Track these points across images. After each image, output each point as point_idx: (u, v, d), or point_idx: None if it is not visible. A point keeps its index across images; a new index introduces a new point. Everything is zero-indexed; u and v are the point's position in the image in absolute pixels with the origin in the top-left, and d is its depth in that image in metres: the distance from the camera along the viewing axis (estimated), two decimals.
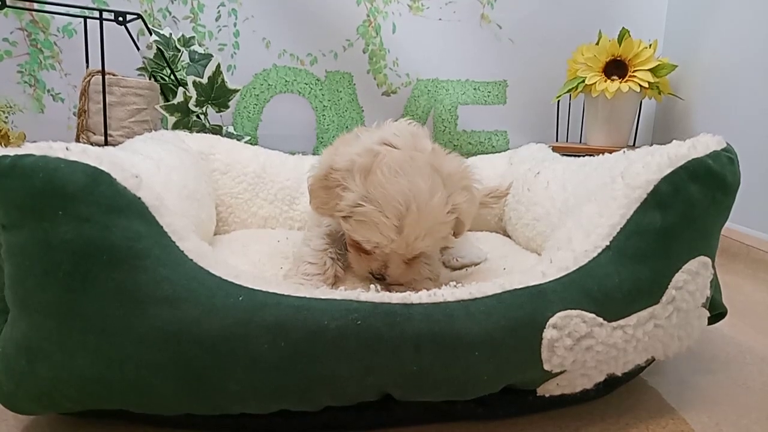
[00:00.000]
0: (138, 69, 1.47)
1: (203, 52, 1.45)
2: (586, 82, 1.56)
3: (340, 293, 0.50)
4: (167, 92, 1.45)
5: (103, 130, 1.29)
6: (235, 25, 1.71)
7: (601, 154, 0.84)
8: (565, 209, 0.82)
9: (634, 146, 1.65)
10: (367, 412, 0.54)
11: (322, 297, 0.50)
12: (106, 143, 1.29)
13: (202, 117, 1.42)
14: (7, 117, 1.59)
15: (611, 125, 1.63)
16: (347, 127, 1.81)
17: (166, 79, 1.45)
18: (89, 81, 1.30)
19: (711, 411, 0.60)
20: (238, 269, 0.53)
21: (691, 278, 0.55)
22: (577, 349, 0.51)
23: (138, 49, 1.47)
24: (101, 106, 1.28)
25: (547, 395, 0.55)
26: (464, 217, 0.68)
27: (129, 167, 0.52)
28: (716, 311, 0.64)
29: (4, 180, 0.46)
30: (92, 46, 1.35)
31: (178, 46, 1.44)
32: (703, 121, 1.59)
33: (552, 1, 1.82)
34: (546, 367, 0.51)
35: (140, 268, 0.48)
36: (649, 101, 1.69)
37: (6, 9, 1.36)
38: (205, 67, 1.40)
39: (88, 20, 1.38)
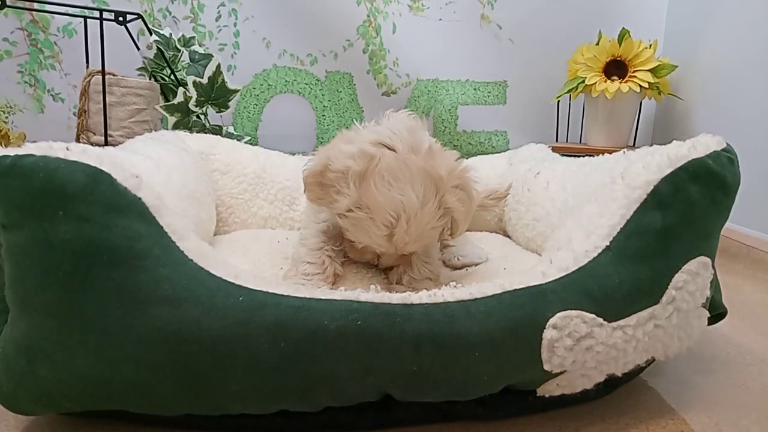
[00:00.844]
0: (138, 69, 1.47)
1: (203, 52, 1.45)
2: (586, 82, 1.56)
3: (340, 293, 0.50)
4: (167, 92, 1.45)
5: (103, 130, 1.29)
6: (235, 25, 1.71)
7: (601, 155, 0.84)
8: (565, 210, 0.82)
9: (634, 147, 1.65)
10: (367, 413, 0.54)
11: (322, 297, 0.50)
12: (106, 143, 1.29)
13: (202, 117, 1.42)
14: (7, 117, 1.59)
15: (611, 125, 1.63)
16: (347, 127, 1.80)
17: (167, 79, 1.45)
18: (89, 81, 1.30)
19: (711, 411, 0.60)
20: (238, 269, 0.53)
21: (691, 278, 0.55)
22: (577, 349, 0.51)
23: (138, 49, 1.47)
24: (101, 106, 1.28)
25: (547, 395, 0.55)
26: (458, 216, 0.68)
27: (129, 167, 0.52)
28: (716, 311, 0.64)
29: (4, 180, 0.46)
30: (92, 46, 1.35)
31: (179, 46, 1.44)
32: (703, 121, 1.59)
33: (552, 1, 1.82)
34: (546, 367, 0.51)
35: (140, 268, 0.48)
36: (649, 101, 1.69)
37: (6, 9, 1.36)
38: (205, 67, 1.40)
39: (88, 20, 1.38)
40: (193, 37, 1.48)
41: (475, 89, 1.87)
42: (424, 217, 0.64)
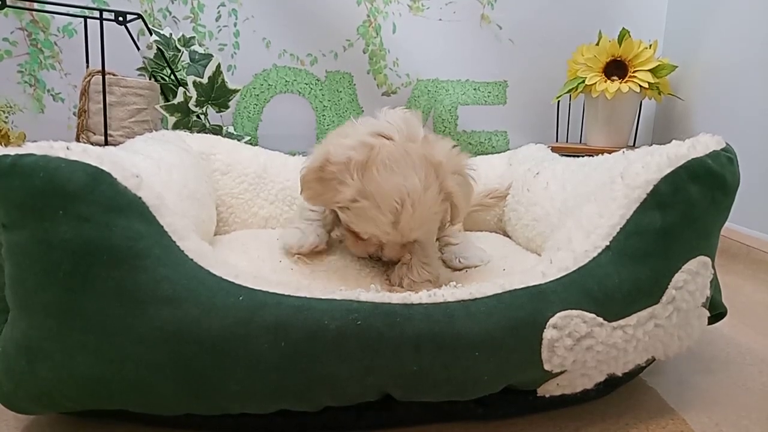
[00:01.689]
0: (138, 69, 1.47)
1: (203, 52, 1.45)
2: (586, 82, 1.56)
3: (341, 293, 0.50)
4: (167, 92, 1.45)
5: (103, 130, 1.29)
6: (235, 25, 1.71)
7: (600, 155, 0.84)
8: (564, 209, 0.82)
9: (634, 147, 1.65)
10: (368, 413, 0.54)
11: (323, 297, 0.50)
12: (107, 143, 1.29)
13: (202, 117, 1.42)
14: (7, 117, 1.59)
15: (611, 126, 1.63)
16: None
17: (167, 79, 1.45)
18: (89, 81, 1.30)
19: (711, 411, 0.60)
20: (239, 269, 0.53)
21: (691, 278, 0.55)
22: (578, 349, 0.51)
23: (138, 49, 1.47)
24: (101, 106, 1.28)
25: (547, 395, 0.55)
26: (458, 201, 0.69)
27: (130, 167, 0.52)
28: (716, 311, 0.64)
29: (4, 179, 0.46)
30: (92, 46, 1.35)
31: (179, 46, 1.44)
32: (703, 121, 1.59)
33: (552, 1, 1.82)
34: (546, 367, 0.51)
35: (140, 267, 0.48)
36: (649, 102, 1.69)
37: (6, 9, 1.36)
38: (206, 67, 1.40)
39: (88, 20, 1.38)
40: (193, 37, 1.48)
41: (475, 89, 1.87)
42: (427, 201, 0.65)
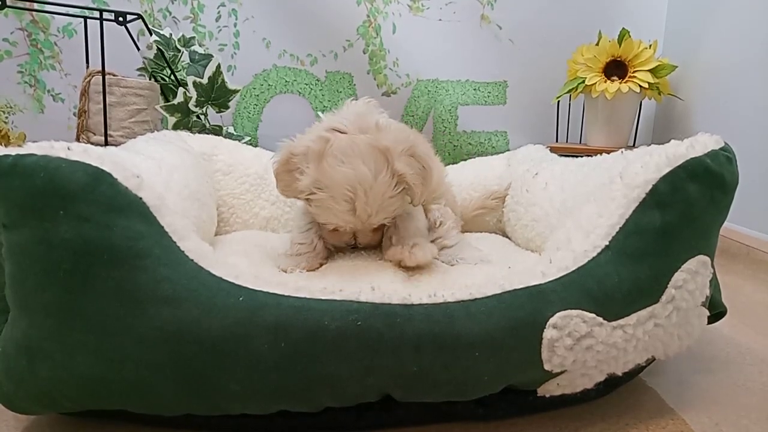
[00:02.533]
0: (138, 69, 1.47)
1: (203, 52, 1.45)
2: (586, 82, 1.56)
3: (341, 294, 0.50)
4: (167, 92, 1.45)
5: (103, 131, 1.29)
6: (235, 25, 1.71)
7: (599, 155, 0.84)
8: (563, 210, 0.82)
9: (633, 147, 1.65)
10: (368, 413, 0.54)
11: (323, 297, 0.50)
12: (107, 143, 1.29)
13: (202, 117, 1.42)
14: (7, 117, 1.60)
15: (611, 126, 1.63)
16: None
17: (167, 79, 1.45)
18: (89, 81, 1.30)
19: (711, 411, 0.60)
20: (239, 269, 0.53)
21: (690, 277, 0.55)
22: (578, 348, 0.51)
23: (138, 49, 1.47)
24: (101, 106, 1.28)
25: (547, 395, 0.55)
26: (411, 181, 0.72)
27: (130, 167, 0.52)
28: (716, 310, 0.64)
29: (5, 179, 0.46)
30: (92, 46, 1.35)
31: (179, 47, 1.44)
32: (703, 121, 1.59)
33: (552, 2, 1.82)
34: (546, 367, 0.51)
35: (140, 267, 0.48)
36: (649, 102, 1.69)
37: (6, 9, 1.36)
38: (206, 67, 1.40)
39: (88, 20, 1.38)
40: (193, 38, 1.48)
41: (475, 89, 1.87)
42: (379, 187, 0.69)
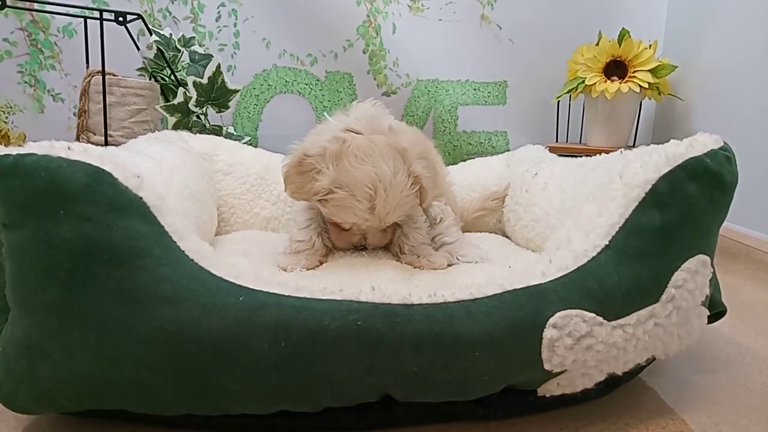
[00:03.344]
0: (138, 69, 1.47)
1: (203, 52, 1.45)
2: (586, 82, 1.56)
3: (341, 293, 0.50)
4: (167, 92, 1.45)
5: (103, 131, 1.29)
6: (235, 25, 1.71)
7: (599, 155, 0.84)
8: (563, 210, 0.82)
9: (633, 147, 1.65)
10: (368, 413, 0.54)
11: (323, 297, 0.50)
12: (107, 143, 1.29)
13: (202, 117, 1.42)
14: (7, 117, 1.60)
15: (611, 126, 1.63)
16: None
17: (167, 79, 1.45)
18: (89, 81, 1.30)
19: (711, 411, 0.60)
20: (239, 269, 0.53)
21: (690, 277, 0.55)
22: (578, 348, 0.51)
23: (138, 49, 1.47)
24: (101, 106, 1.28)
25: (547, 395, 0.55)
26: (425, 183, 0.74)
27: (131, 167, 0.52)
28: (716, 310, 0.64)
29: (5, 179, 0.46)
30: (92, 46, 1.35)
31: (179, 47, 1.44)
32: (703, 121, 1.59)
33: (552, 2, 1.82)
34: (546, 366, 0.51)
35: (141, 267, 0.48)
36: (649, 102, 1.69)
37: (6, 9, 1.36)
38: (206, 67, 1.40)
39: (88, 20, 1.38)
40: (193, 38, 1.48)
41: (475, 89, 1.88)
42: (397, 185, 0.72)
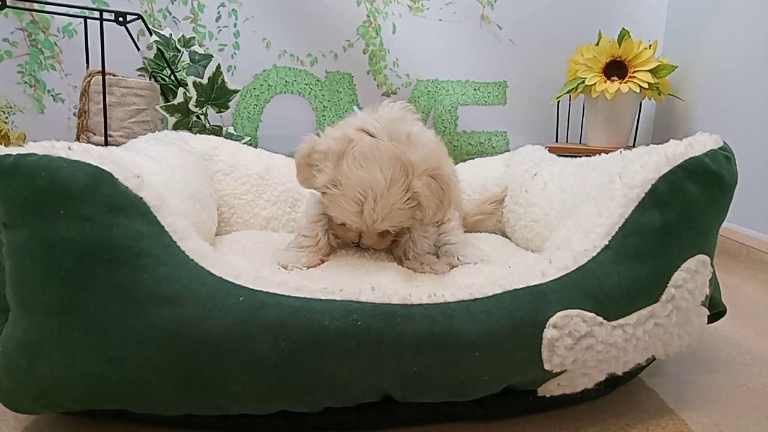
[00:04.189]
0: (138, 69, 1.47)
1: (203, 52, 1.45)
2: (586, 82, 1.56)
3: (341, 294, 0.51)
4: (167, 93, 1.45)
5: (103, 131, 1.29)
6: (235, 25, 1.71)
7: (598, 155, 0.84)
8: (563, 210, 0.82)
9: (633, 147, 1.65)
10: (368, 413, 0.54)
11: (323, 297, 0.50)
12: (107, 144, 1.29)
13: (202, 117, 1.42)
14: (7, 117, 1.60)
15: (611, 126, 1.63)
16: None
17: (167, 79, 1.45)
18: (89, 81, 1.31)
19: (711, 411, 0.60)
20: (239, 269, 0.53)
21: (690, 276, 0.55)
22: (578, 348, 0.51)
23: (138, 49, 1.47)
24: (101, 106, 1.28)
25: (547, 395, 0.55)
26: (424, 201, 0.72)
27: (131, 167, 0.52)
28: (716, 310, 0.64)
29: (6, 178, 0.47)
30: (92, 46, 1.35)
31: (179, 47, 1.44)
32: (703, 121, 1.59)
33: (552, 2, 1.82)
34: (547, 366, 0.51)
35: (141, 267, 0.48)
36: (649, 102, 1.69)
37: (6, 9, 1.36)
38: (206, 67, 1.41)
39: (88, 20, 1.38)
40: (193, 38, 1.48)
41: (475, 89, 1.88)
42: (390, 197, 0.70)
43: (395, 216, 0.72)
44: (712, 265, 0.59)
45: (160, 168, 0.75)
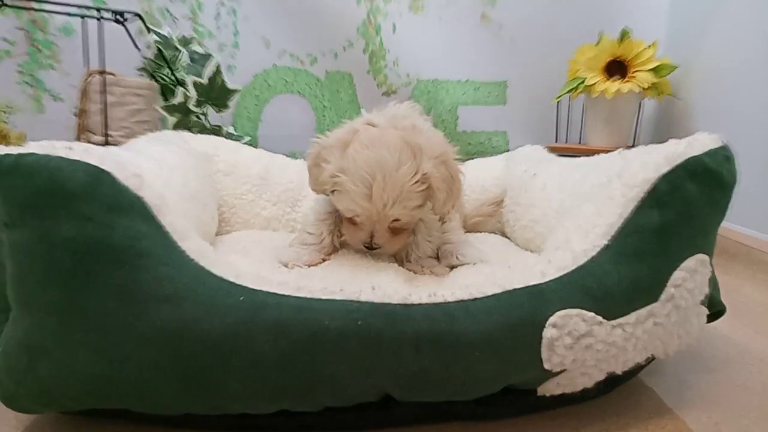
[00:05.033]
0: (138, 69, 1.47)
1: (203, 52, 1.45)
2: (587, 82, 1.56)
3: (341, 293, 0.51)
4: (167, 92, 1.45)
5: (102, 130, 1.29)
6: (235, 24, 1.71)
7: (598, 155, 0.84)
8: (562, 210, 0.82)
9: (634, 147, 1.65)
10: (367, 413, 0.54)
11: (323, 297, 0.50)
12: (106, 143, 1.29)
13: (202, 117, 1.42)
14: (6, 117, 1.59)
15: (612, 126, 1.63)
16: None
17: (166, 79, 1.45)
18: (89, 81, 1.30)
19: (710, 411, 0.61)
20: (239, 269, 0.53)
21: (689, 276, 0.55)
22: (577, 347, 0.51)
23: (138, 48, 1.47)
24: (101, 106, 1.28)
25: (547, 395, 0.55)
26: (435, 184, 0.71)
27: (131, 167, 0.52)
28: (715, 309, 0.64)
29: (6, 178, 0.47)
30: (92, 45, 1.35)
31: (178, 46, 1.44)
32: (704, 121, 1.59)
33: (552, 1, 1.82)
34: (546, 366, 0.51)
35: (141, 267, 0.48)
36: (649, 102, 1.70)
37: (5, 8, 1.36)
38: (205, 67, 1.40)
39: (87, 19, 1.38)
40: (193, 37, 1.48)
41: (475, 89, 1.88)
42: (400, 177, 0.69)
43: (406, 199, 0.70)
44: (712, 265, 0.59)
45: (160, 168, 0.75)
